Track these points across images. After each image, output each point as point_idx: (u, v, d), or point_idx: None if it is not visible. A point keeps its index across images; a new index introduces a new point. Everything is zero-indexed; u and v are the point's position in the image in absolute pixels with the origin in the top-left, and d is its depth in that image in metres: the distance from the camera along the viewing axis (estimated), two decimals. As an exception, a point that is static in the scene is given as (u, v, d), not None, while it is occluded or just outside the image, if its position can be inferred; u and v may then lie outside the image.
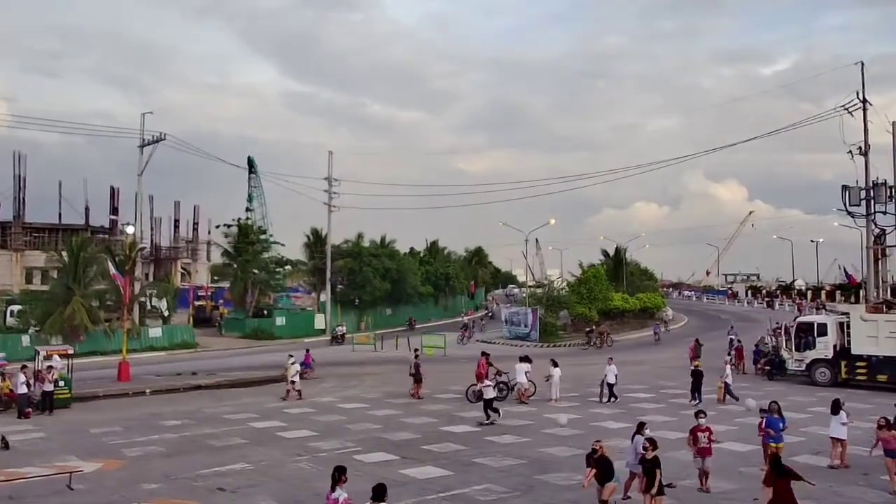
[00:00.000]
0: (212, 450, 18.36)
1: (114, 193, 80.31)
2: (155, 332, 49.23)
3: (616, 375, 25.97)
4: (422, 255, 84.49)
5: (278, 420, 22.48)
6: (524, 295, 70.32)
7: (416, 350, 32.52)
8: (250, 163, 66.06)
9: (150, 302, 53.29)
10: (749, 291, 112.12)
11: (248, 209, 63.57)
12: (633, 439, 13.65)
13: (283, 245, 65.82)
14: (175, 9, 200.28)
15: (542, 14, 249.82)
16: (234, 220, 63.10)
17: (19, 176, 75.18)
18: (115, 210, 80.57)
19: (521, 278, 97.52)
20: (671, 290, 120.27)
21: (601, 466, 12.32)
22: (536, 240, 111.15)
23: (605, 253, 79.52)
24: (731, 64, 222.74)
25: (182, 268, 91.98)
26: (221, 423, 22.06)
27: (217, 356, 45.89)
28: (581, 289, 58.08)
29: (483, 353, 28.09)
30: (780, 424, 15.56)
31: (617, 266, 75.40)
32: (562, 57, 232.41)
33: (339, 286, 67.67)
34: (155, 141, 49.08)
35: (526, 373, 25.91)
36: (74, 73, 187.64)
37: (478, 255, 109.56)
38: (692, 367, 26.77)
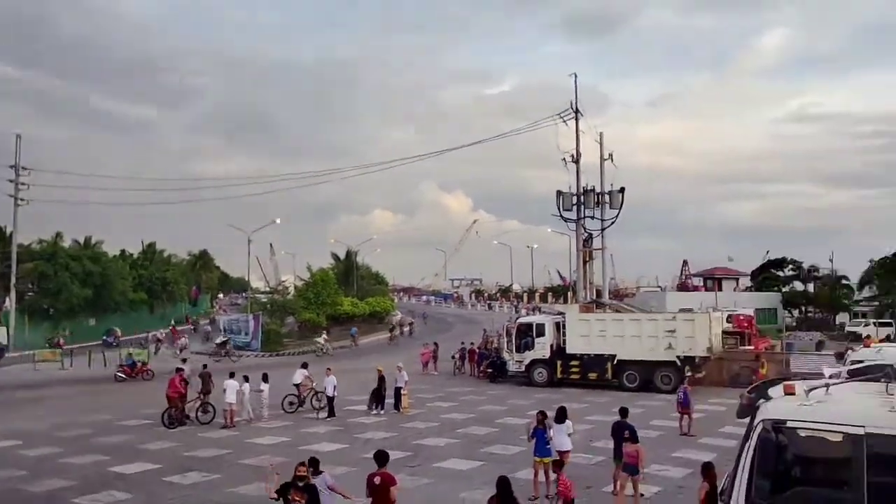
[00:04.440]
0: None
1: None
2: None
3: (335, 387, 23.41)
4: (135, 257, 75.97)
5: None
6: (239, 301, 65.77)
7: None
8: None
9: None
10: (473, 295, 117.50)
11: None
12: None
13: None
14: None
15: (290, 20, 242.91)
16: None
17: None
18: None
19: (255, 284, 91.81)
20: (402, 293, 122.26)
21: (309, 494, 9.42)
22: (271, 244, 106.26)
23: (336, 257, 77.57)
24: (464, 83, 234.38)
25: None
26: None
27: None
28: (309, 293, 55.34)
29: (178, 369, 24.23)
30: (544, 434, 13.80)
31: (348, 270, 73.76)
32: (307, 63, 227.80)
33: (29, 293, 57.95)
34: None
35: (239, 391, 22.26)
36: None
37: (202, 259, 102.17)
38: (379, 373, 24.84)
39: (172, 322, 65.33)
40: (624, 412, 14.25)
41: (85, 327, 59.56)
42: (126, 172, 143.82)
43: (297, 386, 24.53)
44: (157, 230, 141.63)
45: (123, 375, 33.86)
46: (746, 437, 6.85)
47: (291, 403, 24.13)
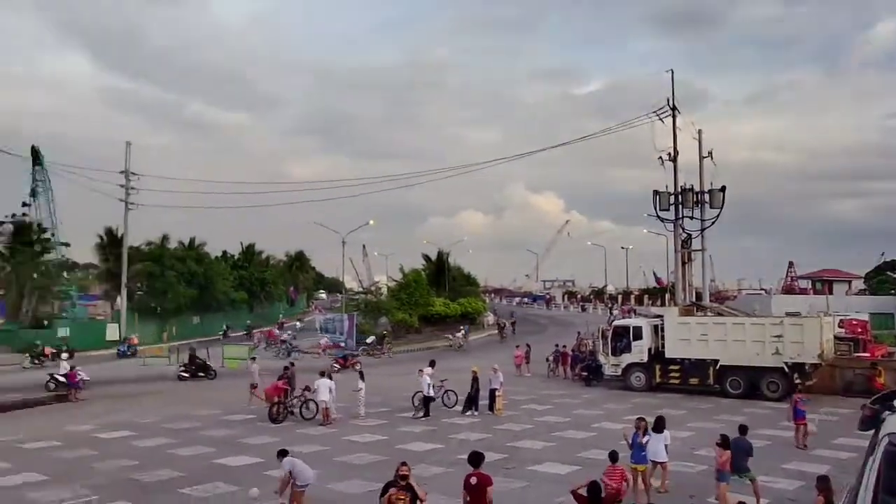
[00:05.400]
0: None
1: None
2: None
3: (430, 386, 23.57)
4: (236, 259, 78.90)
5: (4, 459, 17.72)
6: (332, 301, 67.18)
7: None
8: (35, 154, 57.66)
9: None
10: (565, 296, 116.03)
11: (25, 204, 55.25)
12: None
13: (67, 245, 58.02)
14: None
15: (371, 24, 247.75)
16: (6, 216, 54.72)
17: None
18: None
19: (348, 284, 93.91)
20: (494, 295, 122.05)
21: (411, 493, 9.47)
22: (364, 246, 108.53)
23: (427, 258, 78.04)
24: (549, 82, 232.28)
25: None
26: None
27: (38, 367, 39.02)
28: (402, 294, 55.91)
29: (285, 368, 25.15)
30: (640, 441, 13.49)
31: (439, 271, 74.13)
32: (390, 66, 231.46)
33: (138, 293, 61.07)
34: None
35: (330, 389, 22.69)
36: None
37: (299, 260, 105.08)
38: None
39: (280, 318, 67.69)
40: (743, 430, 13.92)
41: (190, 326, 62.36)
42: (224, 177, 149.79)
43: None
44: (256, 232, 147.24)
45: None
46: (870, 452, 6.36)
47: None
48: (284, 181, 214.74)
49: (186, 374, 34.94)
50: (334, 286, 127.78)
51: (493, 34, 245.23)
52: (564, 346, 36.77)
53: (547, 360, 36.22)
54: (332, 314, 57.18)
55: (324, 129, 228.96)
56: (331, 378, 22.87)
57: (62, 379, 29.46)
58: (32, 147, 57.25)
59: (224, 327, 58.53)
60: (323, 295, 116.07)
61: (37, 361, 42.00)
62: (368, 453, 17.90)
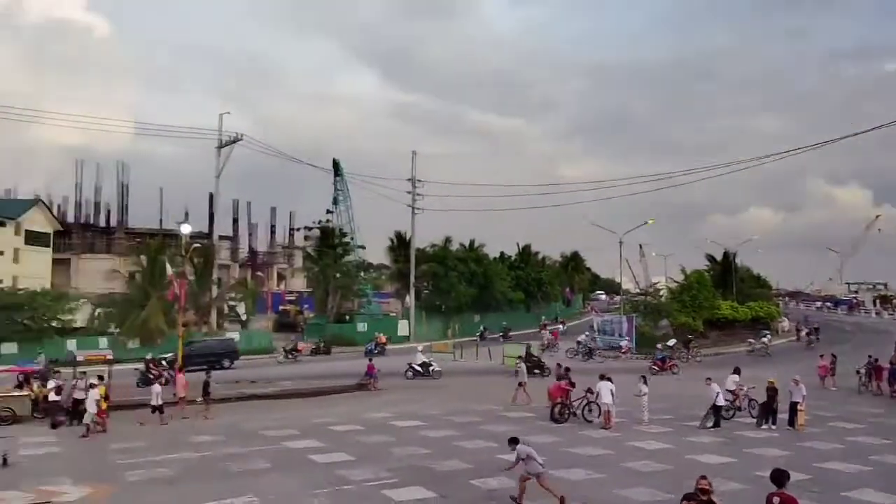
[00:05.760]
0: (224, 476, 15.72)
1: (211, 199, 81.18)
2: (232, 336, 48.00)
3: (718, 395, 21.89)
4: (512, 259, 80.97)
5: (317, 439, 19.71)
6: (609, 303, 65.62)
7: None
8: (336, 166, 64.54)
9: (227, 305, 52.26)
10: (877, 301, 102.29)
11: (328, 211, 61.95)
12: None
13: (363, 248, 63.87)
14: (281, 25, 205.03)
15: (645, 17, 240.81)
16: (314, 222, 61.82)
17: (122, 184, 77.54)
18: (211, 216, 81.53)
19: (624, 285, 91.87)
20: (788, 299, 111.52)
21: None
22: (640, 245, 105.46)
23: (712, 258, 73.41)
24: (849, 61, 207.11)
25: (279, 272, 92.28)
26: (253, 442, 19.51)
27: (291, 362, 44.10)
28: (684, 296, 53.05)
29: (566, 369, 25.19)
30: None
31: (725, 272, 69.32)
32: (665, 60, 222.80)
33: (424, 291, 65.28)
34: (232, 142, 48.12)
35: (612, 392, 22.02)
36: (191, 89, 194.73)
37: (574, 261, 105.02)
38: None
39: (542, 319, 68.25)
40: None
41: (471, 324, 65.18)
42: (499, 180, 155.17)
43: (731, 392, 23.76)
44: (532, 233, 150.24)
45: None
46: None
47: (728, 410, 23.00)
48: (557, 182, 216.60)
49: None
50: (609, 287, 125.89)
51: (775, 16, 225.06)
52: (877, 360, 32.03)
53: (858, 372, 31.89)
54: (610, 315, 56.15)
55: (596, 128, 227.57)
56: (624, 383, 22.38)
57: (419, 368, 34.66)
58: (334, 160, 63.97)
59: (481, 328, 59.82)
60: (603, 296, 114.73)
61: (290, 356, 45.19)
62: (654, 461, 16.99)
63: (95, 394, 21.08)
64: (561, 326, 57.47)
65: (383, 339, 49.93)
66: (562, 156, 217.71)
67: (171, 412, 23.38)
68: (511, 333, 58.81)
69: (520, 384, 26.73)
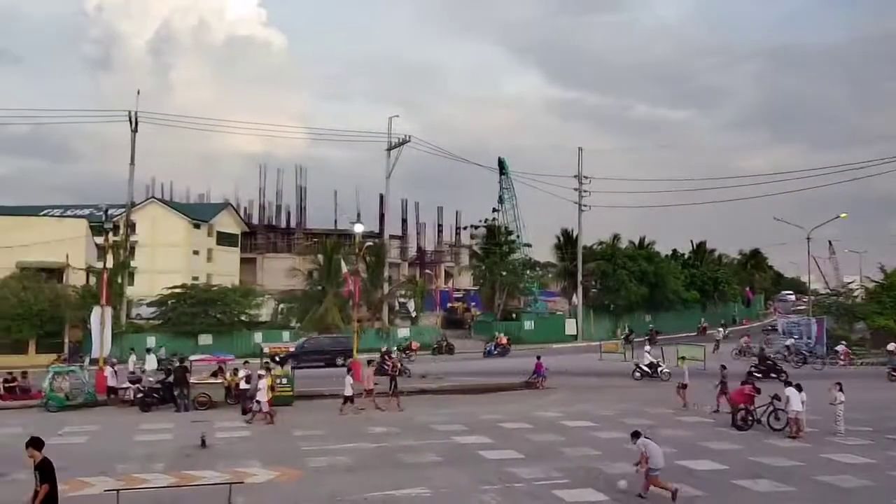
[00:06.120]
0: (399, 467, 16.17)
1: (382, 200, 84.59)
2: (403, 332, 49.63)
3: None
4: (686, 257, 77.52)
5: (486, 436, 19.78)
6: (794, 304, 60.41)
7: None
8: (501, 164, 64.92)
9: (398, 302, 54.08)
10: None
11: (494, 210, 62.28)
12: None
13: (529, 246, 63.62)
14: (444, 29, 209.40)
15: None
16: (480, 221, 62.44)
17: (300, 187, 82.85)
18: (382, 216, 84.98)
19: (812, 285, 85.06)
20: None
21: None
22: (830, 242, 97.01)
23: (916, 255, 66.20)
24: None
25: (446, 271, 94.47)
26: (425, 435, 19.96)
27: (459, 359, 44.81)
28: (884, 297, 48.08)
29: (749, 374, 23.72)
30: None
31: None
32: (847, 41, 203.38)
33: (592, 290, 64.03)
34: (400, 143, 49.69)
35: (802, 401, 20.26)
36: (357, 96, 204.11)
37: (754, 259, 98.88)
38: None
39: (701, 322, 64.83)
40: None
41: (642, 324, 62.99)
42: (669, 175, 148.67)
43: None
44: (706, 229, 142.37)
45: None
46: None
47: None
48: (733, 175, 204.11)
49: (759, 374, 31.38)
50: (794, 286, 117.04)
51: None
52: None
53: None
54: (796, 317, 52.13)
55: (774, 117, 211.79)
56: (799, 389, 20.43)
57: (646, 369, 33.38)
58: (499, 158, 64.27)
59: (627, 330, 57.00)
60: (791, 296, 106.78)
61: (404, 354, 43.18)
62: (854, 476, 15.40)
63: (263, 384, 22.32)
64: (721, 330, 53.11)
65: (504, 339, 48.44)
66: (738, 147, 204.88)
67: (361, 403, 24.55)
68: (658, 337, 55.45)
69: (682, 385, 25.44)
